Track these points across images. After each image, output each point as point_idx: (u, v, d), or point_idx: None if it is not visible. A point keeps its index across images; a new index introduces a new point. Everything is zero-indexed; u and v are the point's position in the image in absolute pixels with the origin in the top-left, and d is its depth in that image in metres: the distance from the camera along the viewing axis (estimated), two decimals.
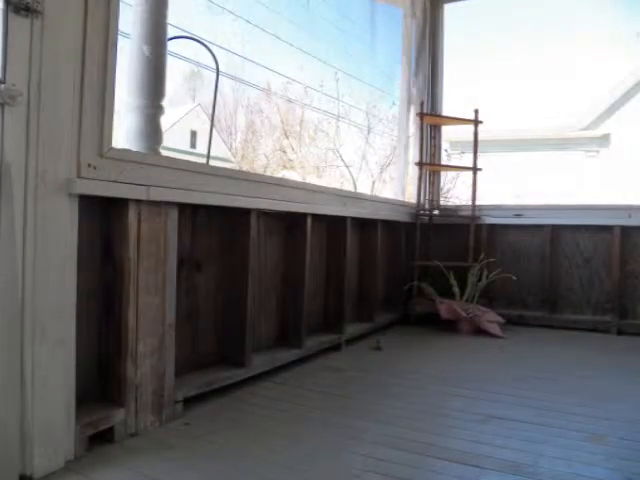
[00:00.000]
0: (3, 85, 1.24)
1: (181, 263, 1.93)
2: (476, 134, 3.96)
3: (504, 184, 10.88)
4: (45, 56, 1.32)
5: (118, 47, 1.53)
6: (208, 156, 2.59)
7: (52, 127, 1.35)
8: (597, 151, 13.03)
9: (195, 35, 2.97)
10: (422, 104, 4.12)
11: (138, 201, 1.62)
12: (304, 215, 2.57)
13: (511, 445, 1.63)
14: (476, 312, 3.46)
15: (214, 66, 2.67)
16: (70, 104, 1.40)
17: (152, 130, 2.05)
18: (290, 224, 2.59)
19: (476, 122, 3.94)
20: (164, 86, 2.08)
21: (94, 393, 1.64)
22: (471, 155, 4.01)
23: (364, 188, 9.57)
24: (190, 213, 2.01)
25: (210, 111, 2.82)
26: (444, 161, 6.61)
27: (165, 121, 2.11)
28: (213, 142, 2.91)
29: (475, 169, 3.97)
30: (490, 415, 1.90)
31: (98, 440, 1.54)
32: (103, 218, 1.65)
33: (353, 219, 3.05)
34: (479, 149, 3.99)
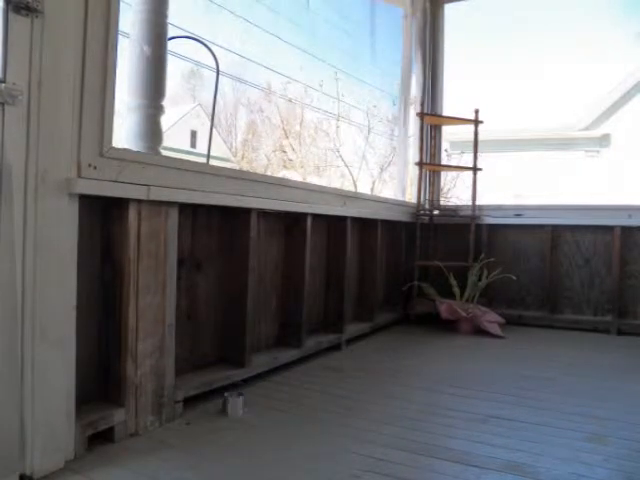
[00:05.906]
0: (4, 84, 1.24)
1: (181, 263, 1.93)
2: (476, 134, 3.96)
3: (504, 184, 10.87)
4: (45, 55, 1.32)
5: (118, 47, 1.53)
6: (208, 156, 2.59)
7: (52, 126, 1.35)
8: (597, 151, 13.02)
9: (195, 35, 2.96)
10: (422, 104, 4.12)
11: (138, 201, 1.62)
12: (304, 215, 2.57)
13: (511, 445, 1.63)
14: (476, 312, 3.46)
15: (214, 66, 2.67)
16: (70, 104, 1.40)
17: (152, 130, 2.05)
18: (290, 224, 2.59)
19: (476, 122, 3.94)
20: (164, 86, 2.08)
21: (94, 393, 1.64)
22: (471, 155, 4.01)
23: (364, 188, 9.56)
24: (190, 213, 2.01)
25: (210, 111, 2.82)
26: (444, 161, 6.61)
27: (165, 121, 2.11)
28: (213, 142, 2.90)
29: (475, 169, 3.97)
30: (490, 415, 1.90)
31: (98, 440, 1.54)
32: (103, 218, 1.65)
33: (353, 219, 3.05)
34: (479, 149, 4.00)
